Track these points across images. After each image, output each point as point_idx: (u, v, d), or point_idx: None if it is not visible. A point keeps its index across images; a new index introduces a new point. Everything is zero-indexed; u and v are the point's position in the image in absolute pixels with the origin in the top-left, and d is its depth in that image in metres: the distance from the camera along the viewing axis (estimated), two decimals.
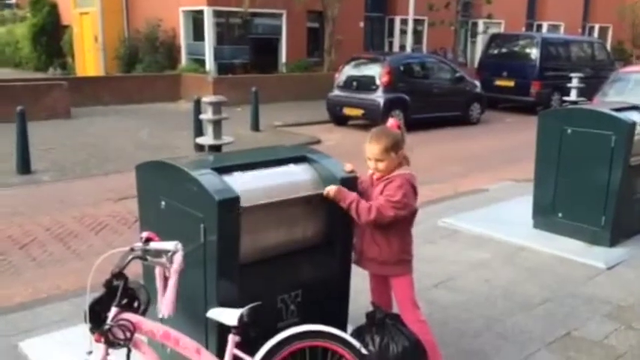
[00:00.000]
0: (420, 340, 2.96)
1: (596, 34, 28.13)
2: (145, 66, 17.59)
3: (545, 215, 5.67)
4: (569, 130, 5.40)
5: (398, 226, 2.95)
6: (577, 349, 3.65)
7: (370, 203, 2.85)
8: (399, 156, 2.96)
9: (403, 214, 2.88)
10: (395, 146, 2.94)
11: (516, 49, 16.56)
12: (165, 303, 2.40)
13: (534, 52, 15.75)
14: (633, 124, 5.17)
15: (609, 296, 4.39)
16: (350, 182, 2.95)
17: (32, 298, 4.37)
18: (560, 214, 5.55)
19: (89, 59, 20.64)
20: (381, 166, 2.95)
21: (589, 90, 9.93)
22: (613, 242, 5.31)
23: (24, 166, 8.20)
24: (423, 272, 4.61)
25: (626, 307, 4.24)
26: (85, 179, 8.13)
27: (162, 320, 2.61)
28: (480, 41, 22.31)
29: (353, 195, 2.86)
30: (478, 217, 6.07)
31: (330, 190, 2.84)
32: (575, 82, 9.66)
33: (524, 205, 5.98)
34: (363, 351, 2.57)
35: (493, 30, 21.19)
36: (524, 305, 4.23)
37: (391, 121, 3.04)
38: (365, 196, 2.98)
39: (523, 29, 24.61)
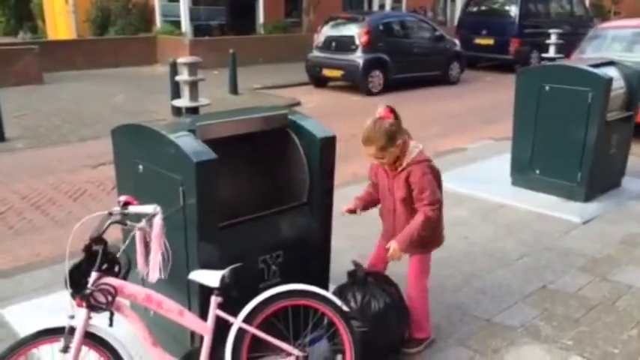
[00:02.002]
0: (402, 297, 3.02)
1: None
2: (118, 29, 17.11)
3: (523, 172, 5.74)
4: (546, 87, 5.42)
5: None
6: (552, 300, 3.75)
7: (419, 218, 2.84)
8: (399, 145, 2.85)
9: (437, 197, 2.89)
10: (389, 141, 2.82)
11: (495, 6, 16.43)
12: (151, 268, 2.40)
13: (513, 10, 15.64)
14: (610, 80, 5.20)
15: (584, 249, 4.50)
16: (329, 143, 2.94)
17: (12, 266, 4.34)
18: (537, 171, 5.62)
19: (60, 22, 19.99)
20: (385, 160, 2.89)
21: (567, 47, 9.92)
22: (588, 197, 5.41)
23: None
24: None
25: (600, 259, 4.35)
26: (60, 146, 7.99)
27: (144, 283, 2.61)
28: None
29: (406, 235, 2.84)
30: (457, 176, 6.12)
31: (394, 254, 2.84)
32: (553, 39, 9.66)
33: (502, 164, 6.04)
34: (345, 308, 2.62)
35: None
36: (503, 260, 4.32)
37: (381, 111, 2.85)
38: (379, 183, 3.02)
39: None
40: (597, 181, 5.45)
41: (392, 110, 2.86)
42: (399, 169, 2.91)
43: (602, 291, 3.88)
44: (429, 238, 2.99)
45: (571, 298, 3.79)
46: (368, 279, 2.96)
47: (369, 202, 3.16)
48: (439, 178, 2.99)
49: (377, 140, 2.82)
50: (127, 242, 2.43)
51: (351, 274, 2.97)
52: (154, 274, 2.41)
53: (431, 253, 3.12)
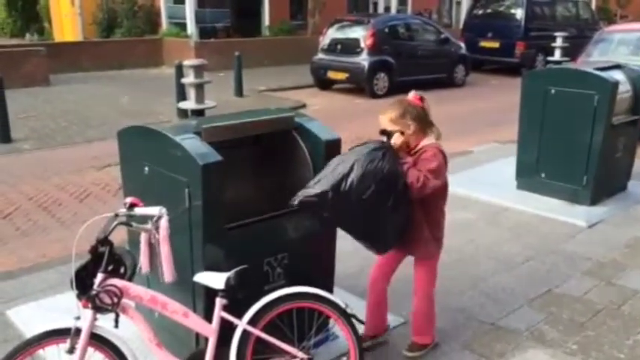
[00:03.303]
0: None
1: None
2: (124, 31, 17.18)
3: (529, 176, 5.72)
4: (552, 91, 5.41)
5: (434, 201, 2.90)
6: (558, 304, 3.74)
7: (419, 172, 2.71)
8: (411, 125, 2.79)
9: (439, 183, 2.79)
10: (405, 114, 2.78)
11: (501, 9, 16.41)
12: (165, 269, 2.42)
13: (519, 13, 15.62)
14: (616, 84, 5.19)
15: (590, 253, 4.48)
16: (334, 146, 2.94)
17: (18, 267, 4.35)
18: (543, 175, 5.61)
19: (67, 24, 20.09)
20: (394, 139, 2.78)
21: (573, 50, 9.91)
22: (594, 201, 5.39)
23: (4, 134, 8.06)
24: None
25: (605, 263, 4.34)
26: (67, 147, 8.02)
27: (149, 285, 2.62)
28: (465, 2, 22.08)
29: (408, 157, 2.77)
30: (463, 179, 6.11)
31: (392, 141, 2.76)
32: (559, 42, 9.65)
33: (508, 167, 6.03)
34: (349, 310, 2.61)
35: None
36: (508, 264, 4.30)
37: (411, 95, 2.87)
38: None
39: None
40: (603, 184, 5.43)
41: (421, 99, 2.87)
42: (412, 152, 2.85)
43: (607, 295, 3.86)
44: (433, 245, 2.96)
45: (576, 302, 3.78)
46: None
47: None
48: (446, 165, 2.89)
49: (391, 110, 2.81)
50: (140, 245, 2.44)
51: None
52: (169, 275, 2.44)
53: (437, 260, 3.09)
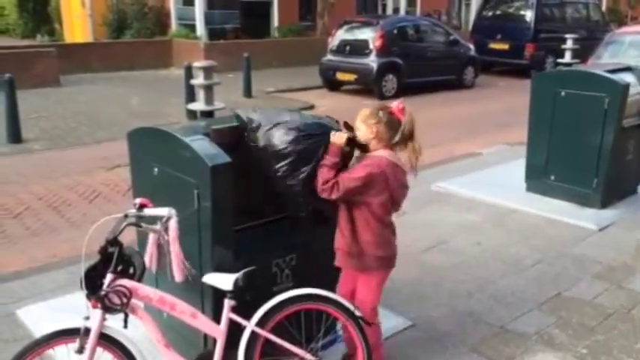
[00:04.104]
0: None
1: None
2: (134, 32, 17.27)
3: (538, 178, 5.69)
4: (562, 93, 5.38)
5: (365, 214, 2.67)
6: (567, 308, 3.71)
7: (335, 178, 2.60)
8: (374, 132, 2.65)
9: (341, 195, 2.60)
10: (371, 117, 2.66)
11: (511, 10, 16.34)
12: (174, 271, 2.43)
13: (529, 14, 15.55)
14: (627, 86, 5.15)
15: (600, 257, 4.45)
16: None
17: (28, 267, 4.38)
18: (552, 177, 5.58)
19: (77, 25, 20.21)
20: (358, 133, 2.70)
21: (583, 52, 9.83)
22: (604, 204, 5.36)
23: (14, 135, 8.12)
24: (416, 236, 4.66)
25: (616, 267, 4.30)
26: (76, 147, 8.07)
27: (158, 286, 2.63)
28: (475, 3, 22.00)
29: (336, 159, 2.63)
30: (471, 181, 6.10)
31: (334, 135, 2.66)
32: (569, 44, 9.56)
33: (517, 169, 5.99)
34: (357, 313, 2.61)
35: None
36: (516, 267, 4.28)
37: (395, 103, 2.70)
38: None
39: None
40: (613, 187, 5.39)
41: (402, 111, 2.68)
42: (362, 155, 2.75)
43: (617, 299, 3.83)
44: (360, 247, 2.73)
45: (586, 305, 3.75)
46: None
47: None
48: (388, 183, 2.65)
49: (369, 110, 2.70)
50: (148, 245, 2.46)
51: None
52: (179, 275, 2.44)
53: (377, 276, 2.79)
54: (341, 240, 2.77)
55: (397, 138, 2.67)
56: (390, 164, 2.66)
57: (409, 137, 2.69)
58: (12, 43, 18.90)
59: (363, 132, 2.70)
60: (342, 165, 2.71)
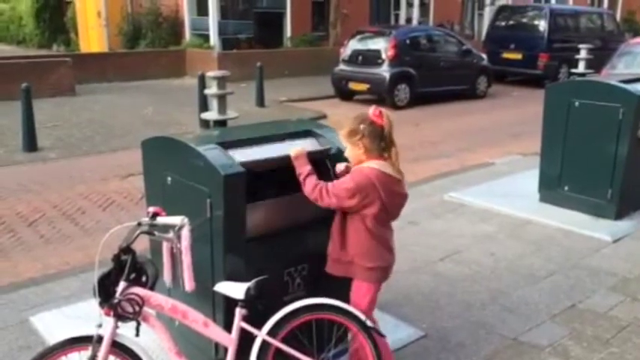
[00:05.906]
0: None
1: (605, 4, 27.63)
2: (149, 42, 17.47)
3: (552, 188, 5.65)
4: (576, 103, 5.35)
5: (356, 224, 2.68)
6: (582, 320, 3.67)
7: (320, 182, 2.65)
8: (361, 148, 2.64)
9: (334, 202, 2.62)
10: (353, 133, 2.65)
11: (524, 20, 16.30)
12: (186, 278, 2.44)
13: (542, 24, 15.49)
14: None
15: (615, 269, 4.40)
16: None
17: (42, 274, 4.42)
18: (566, 188, 5.53)
19: (93, 35, 20.50)
20: (346, 153, 2.73)
21: (597, 62, 9.79)
22: (619, 215, 5.30)
23: (30, 143, 8.22)
24: (429, 246, 4.64)
25: (631, 279, 4.25)
26: (91, 156, 8.15)
27: (170, 294, 2.64)
28: (487, 13, 21.99)
29: (308, 167, 2.69)
30: (484, 191, 6.06)
31: (292, 151, 2.73)
32: (583, 54, 9.52)
33: (530, 179, 5.95)
34: (369, 323, 2.60)
35: (500, 2, 20.86)
36: (530, 278, 4.24)
37: (371, 110, 2.67)
38: None
39: (531, 0, 24.21)
40: (628, 198, 5.33)
41: (380, 115, 2.65)
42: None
43: (633, 312, 3.78)
44: (349, 255, 2.73)
45: (601, 318, 3.71)
46: None
47: None
48: (379, 192, 2.63)
49: (348, 125, 2.69)
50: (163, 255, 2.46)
51: None
52: (190, 284, 2.45)
53: (366, 285, 2.76)
54: (331, 246, 2.79)
55: (384, 144, 2.67)
56: (380, 174, 2.64)
57: (391, 141, 2.68)
58: (29, 53, 19.22)
59: (351, 151, 2.70)
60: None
